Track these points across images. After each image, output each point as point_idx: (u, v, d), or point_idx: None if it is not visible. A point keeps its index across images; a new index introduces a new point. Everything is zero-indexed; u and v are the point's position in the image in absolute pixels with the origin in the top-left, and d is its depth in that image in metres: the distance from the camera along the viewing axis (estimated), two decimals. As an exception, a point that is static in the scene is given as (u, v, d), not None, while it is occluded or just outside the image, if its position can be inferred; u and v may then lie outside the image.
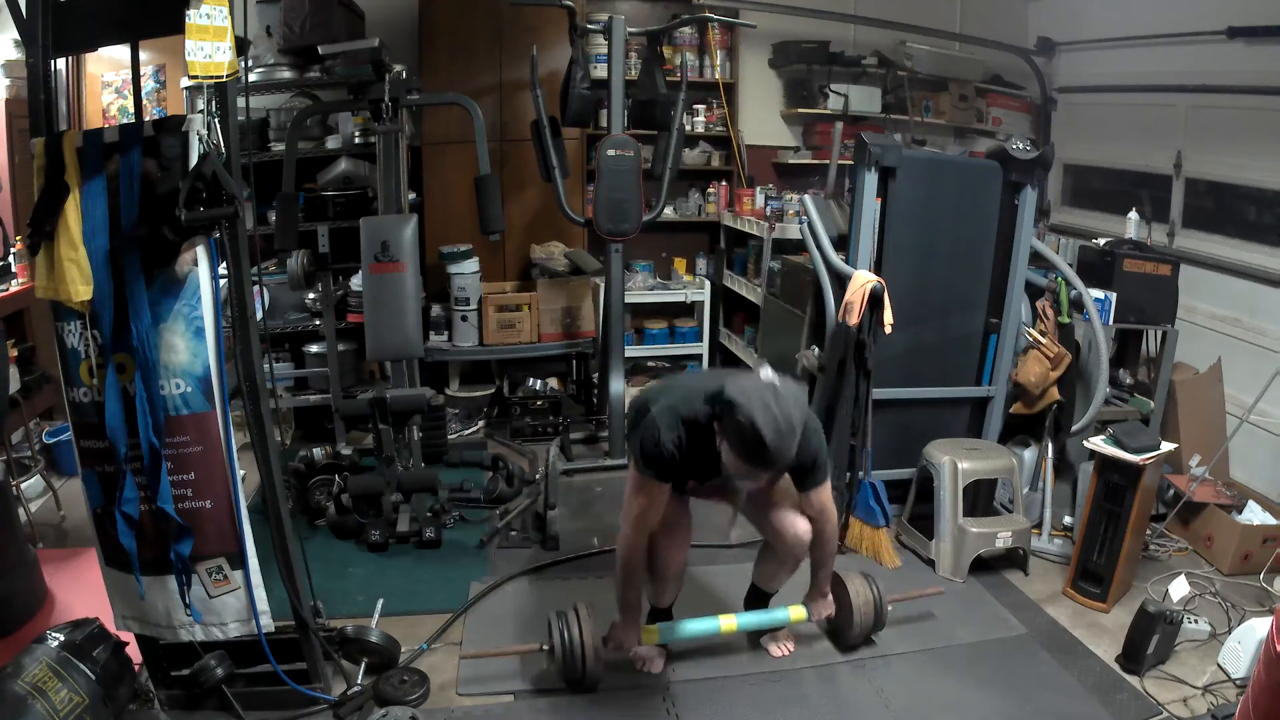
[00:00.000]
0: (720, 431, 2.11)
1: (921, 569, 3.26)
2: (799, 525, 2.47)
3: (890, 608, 2.71)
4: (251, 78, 3.96)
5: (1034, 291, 3.61)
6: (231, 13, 2.00)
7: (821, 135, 5.35)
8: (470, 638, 2.77)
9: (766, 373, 2.16)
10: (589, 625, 2.45)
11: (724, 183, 5.37)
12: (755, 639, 2.77)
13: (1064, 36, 5.28)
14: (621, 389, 3.94)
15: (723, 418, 2.08)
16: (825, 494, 2.42)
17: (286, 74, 4.35)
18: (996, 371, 3.61)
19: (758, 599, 2.77)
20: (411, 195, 4.38)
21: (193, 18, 1.92)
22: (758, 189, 5.07)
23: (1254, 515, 3.34)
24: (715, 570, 3.16)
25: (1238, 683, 2.55)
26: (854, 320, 3.16)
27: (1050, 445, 3.50)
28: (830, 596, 2.67)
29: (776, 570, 2.66)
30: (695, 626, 2.61)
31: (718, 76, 5.25)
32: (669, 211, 5.18)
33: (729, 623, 2.60)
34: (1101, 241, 3.84)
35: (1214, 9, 3.98)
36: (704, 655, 2.71)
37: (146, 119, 2.17)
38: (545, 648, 2.48)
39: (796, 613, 2.65)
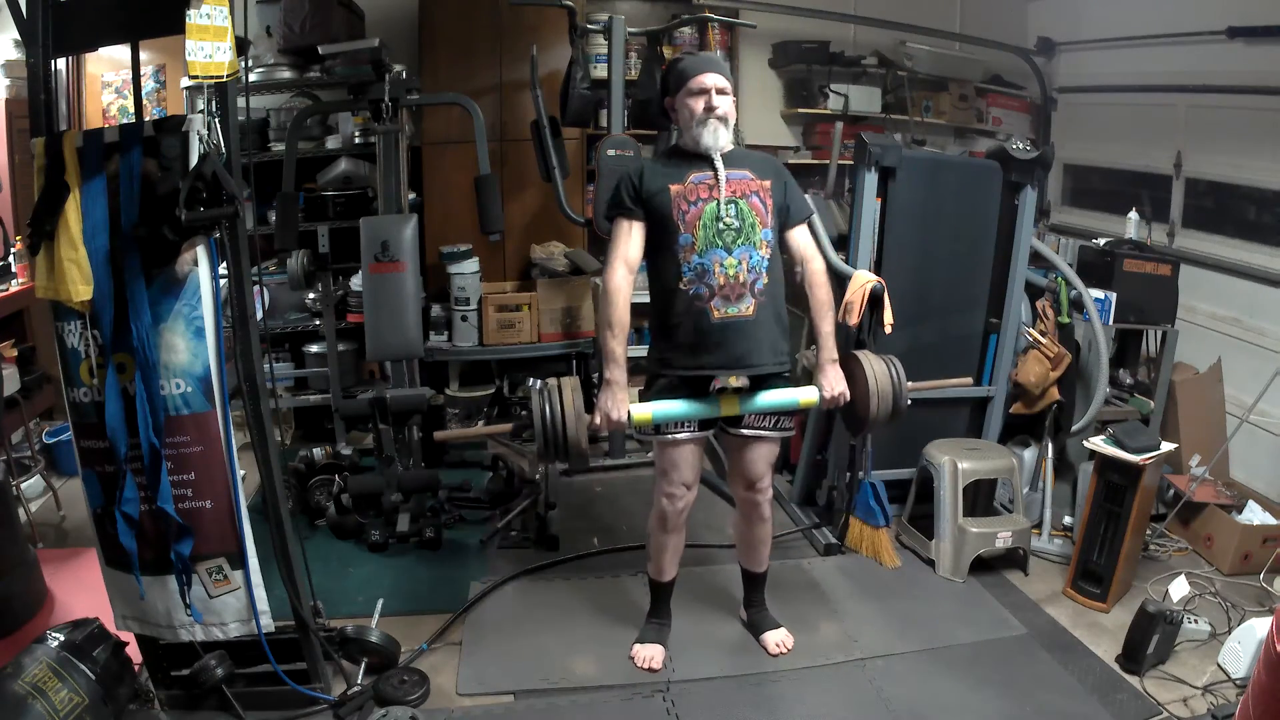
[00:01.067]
0: (667, 88, 2.45)
1: (922, 569, 3.26)
2: (758, 466, 2.52)
3: (910, 391, 2.43)
4: (251, 78, 3.95)
5: (1034, 291, 3.61)
6: (231, 13, 2.00)
7: (821, 135, 5.34)
8: (470, 638, 2.77)
9: None
10: (571, 395, 2.28)
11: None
12: (755, 638, 2.77)
13: (1064, 36, 5.28)
14: (621, 389, 3.94)
15: (664, 77, 2.49)
16: (806, 234, 2.48)
17: (286, 74, 4.35)
18: (996, 371, 3.61)
19: (751, 584, 2.79)
20: (411, 195, 4.37)
21: (193, 18, 1.92)
22: (758, 189, 5.06)
23: (1254, 515, 3.34)
24: (716, 570, 3.16)
25: (1238, 683, 2.55)
26: (854, 320, 3.15)
27: (1050, 445, 3.49)
28: (840, 370, 2.45)
29: (749, 535, 2.67)
30: (692, 406, 2.36)
31: (718, 76, 5.24)
32: (669, 211, 5.17)
33: (730, 404, 2.37)
34: (1101, 241, 3.84)
35: (1214, 9, 3.97)
36: (704, 655, 2.71)
37: (146, 119, 2.17)
38: (524, 420, 2.34)
39: (807, 396, 2.41)
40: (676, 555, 2.67)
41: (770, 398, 2.41)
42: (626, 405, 2.32)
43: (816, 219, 2.46)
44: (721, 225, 2.30)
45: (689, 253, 2.32)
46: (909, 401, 2.44)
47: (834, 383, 2.43)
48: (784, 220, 2.43)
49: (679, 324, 2.35)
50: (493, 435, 2.38)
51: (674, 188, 2.34)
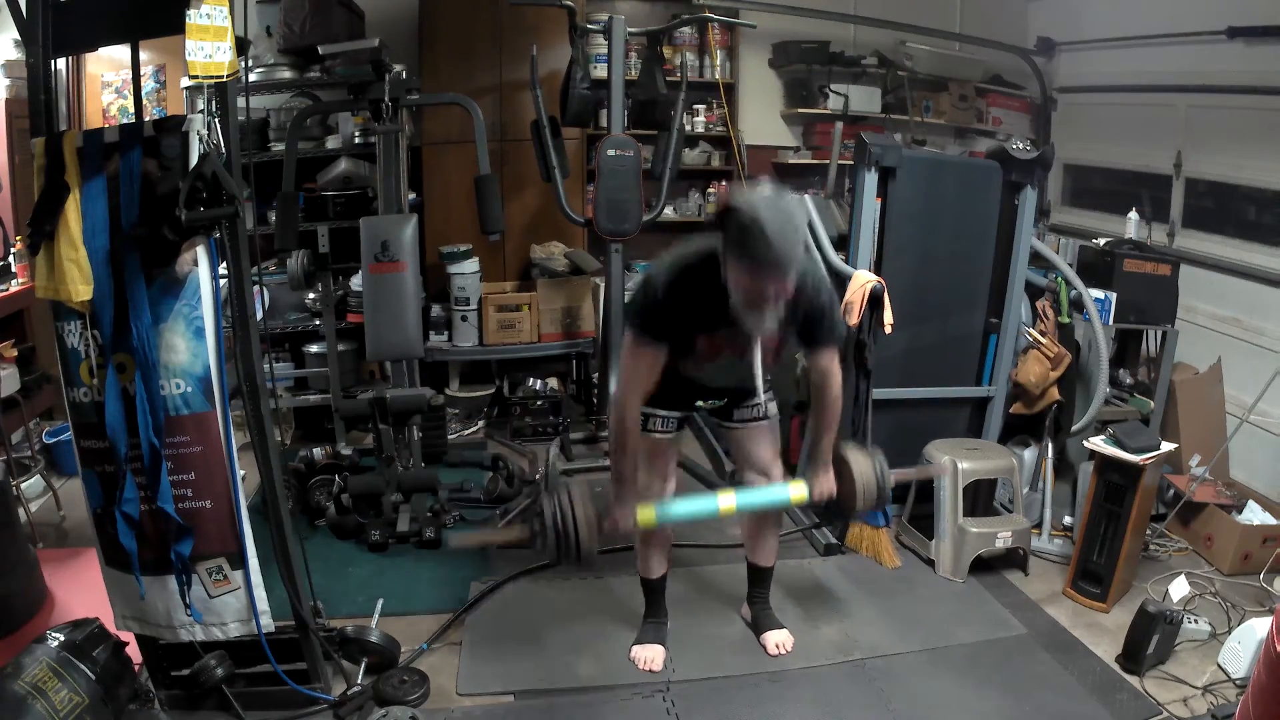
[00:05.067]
0: (724, 246, 2.05)
1: (922, 569, 3.26)
2: (764, 451, 2.57)
3: (893, 480, 2.51)
4: (251, 78, 3.95)
5: (1034, 291, 3.61)
6: (231, 13, 2.00)
7: (821, 135, 5.35)
8: (470, 638, 2.77)
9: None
10: (581, 501, 2.31)
11: (724, 183, 5.37)
12: (755, 638, 2.77)
13: (1064, 36, 5.28)
14: (621, 389, 3.94)
15: (725, 224, 2.02)
16: (833, 356, 2.42)
17: (286, 74, 4.36)
18: (996, 371, 3.61)
19: (757, 578, 2.79)
20: (411, 195, 4.38)
21: (193, 18, 1.92)
22: (758, 189, 5.07)
23: (1254, 515, 3.34)
24: (716, 570, 3.16)
25: (1238, 683, 2.55)
26: (854, 320, 3.16)
27: (1050, 445, 3.49)
28: (831, 473, 2.53)
29: (759, 530, 2.68)
30: (692, 506, 2.49)
31: (718, 76, 5.25)
32: (669, 211, 5.17)
33: (727, 502, 2.43)
34: (1101, 241, 3.84)
35: (1214, 9, 3.97)
36: (704, 655, 2.71)
37: (146, 119, 2.17)
38: (535, 527, 2.35)
39: (797, 492, 2.50)
40: (663, 550, 2.69)
41: (761, 495, 2.53)
42: (634, 513, 2.39)
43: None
44: (728, 364, 2.38)
45: (691, 365, 2.36)
46: (891, 493, 2.52)
47: (824, 485, 2.51)
48: (811, 339, 2.37)
49: (667, 387, 2.40)
50: (508, 544, 2.45)
51: (701, 339, 2.28)
